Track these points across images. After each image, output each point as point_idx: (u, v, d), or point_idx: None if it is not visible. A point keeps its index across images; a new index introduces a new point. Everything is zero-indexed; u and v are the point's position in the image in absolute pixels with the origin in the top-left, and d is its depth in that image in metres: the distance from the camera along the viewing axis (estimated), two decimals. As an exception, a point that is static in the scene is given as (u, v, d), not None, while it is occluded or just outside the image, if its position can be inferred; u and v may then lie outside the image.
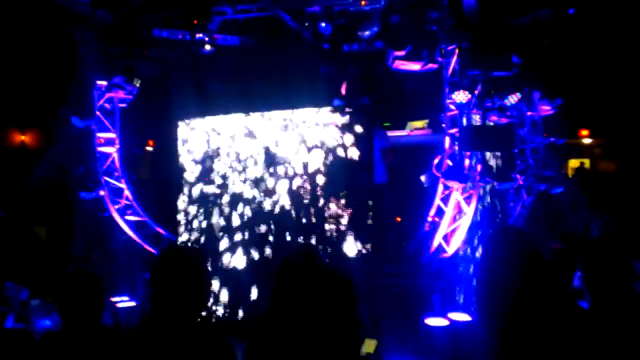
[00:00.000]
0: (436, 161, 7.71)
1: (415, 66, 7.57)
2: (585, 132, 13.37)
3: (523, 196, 8.92)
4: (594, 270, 3.00)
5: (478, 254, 7.41)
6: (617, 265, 2.99)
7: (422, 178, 7.86)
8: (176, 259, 2.74)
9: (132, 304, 8.33)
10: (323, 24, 7.98)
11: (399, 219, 8.96)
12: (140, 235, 9.22)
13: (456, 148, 7.56)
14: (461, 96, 7.29)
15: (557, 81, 9.28)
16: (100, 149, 8.92)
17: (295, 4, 8.08)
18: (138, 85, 8.70)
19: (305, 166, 7.98)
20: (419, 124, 8.83)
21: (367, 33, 8.40)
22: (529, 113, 8.84)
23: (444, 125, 7.73)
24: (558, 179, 9.00)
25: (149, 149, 10.24)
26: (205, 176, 8.62)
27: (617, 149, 13.18)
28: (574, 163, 13.22)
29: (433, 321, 7.10)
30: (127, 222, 9.15)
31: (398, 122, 9.31)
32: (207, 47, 8.34)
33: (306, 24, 7.98)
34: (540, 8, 7.44)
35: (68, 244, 9.58)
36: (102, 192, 8.87)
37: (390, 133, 8.68)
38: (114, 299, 8.19)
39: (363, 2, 7.67)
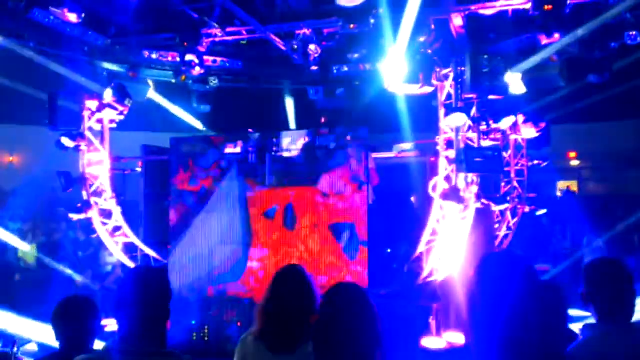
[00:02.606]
0: (432, 183, 7.76)
1: (412, 89, 7.66)
2: (572, 155, 13.48)
3: (508, 217, 8.98)
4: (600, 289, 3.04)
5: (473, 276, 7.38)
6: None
7: (412, 199, 7.90)
8: (134, 281, 2.71)
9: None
10: (312, 47, 8.04)
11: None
12: (130, 257, 9.17)
13: (448, 169, 7.63)
14: (457, 119, 7.37)
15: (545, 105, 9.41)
16: (89, 169, 8.89)
17: (285, 27, 8.14)
18: (130, 105, 8.71)
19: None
20: (407, 146, 8.90)
21: (356, 56, 8.49)
22: (513, 136, 8.92)
23: (438, 147, 7.80)
24: (542, 201, 9.07)
25: (138, 169, 10.21)
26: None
27: (605, 171, 13.29)
28: (562, 185, 13.33)
29: (429, 342, 7.09)
30: (116, 244, 9.11)
31: (386, 143, 9.37)
32: (197, 69, 8.37)
33: (295, 47, 8.03)
34: (523, 33, 7.56)
35: (55, 265, 9.53)
36: (90, 214, 8.83)
37: (378, 155, 8.74)
38: (103, 322, 8.10)
39: (352, 25, 7.73)
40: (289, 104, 10.61)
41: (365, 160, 7.62)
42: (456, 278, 7.52)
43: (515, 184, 9.08)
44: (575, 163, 13.81)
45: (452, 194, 7.40)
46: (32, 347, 6.48)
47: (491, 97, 7.49)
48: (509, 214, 8.94)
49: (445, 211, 7.63)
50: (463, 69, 7.44)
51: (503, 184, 8.97)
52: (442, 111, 7.78)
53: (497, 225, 8.90)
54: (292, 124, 10.78)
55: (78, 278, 9.61)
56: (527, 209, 9.06)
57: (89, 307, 3.43)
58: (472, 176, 7.54)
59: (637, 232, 10.81)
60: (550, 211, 9.52)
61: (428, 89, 7.71)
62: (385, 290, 7.88)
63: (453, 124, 7.50)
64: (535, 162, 9.28)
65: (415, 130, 8.65)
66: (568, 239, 11.78)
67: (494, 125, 8.07)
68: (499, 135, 8.44)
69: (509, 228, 9.06)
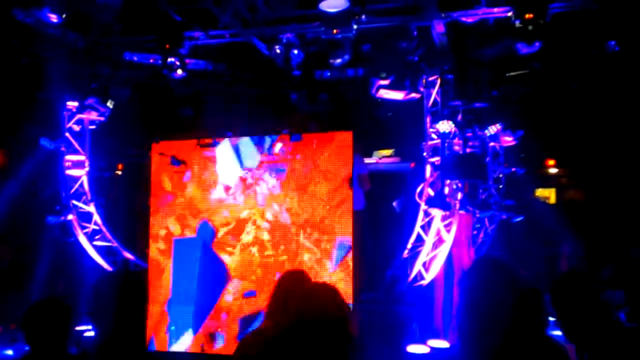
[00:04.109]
0: (418, 189, 7.81)
1: (399, 95, 7.71)
2: (551, 162, 13.60)
3: (486, 224, 9.05)
4: (567, 310, 3.05)
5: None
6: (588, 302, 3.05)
7: (394, 204, 7.95)
8: (112, 285, 2.69)
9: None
10: (295, 51, 8.05)
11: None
12: (109, 262, 9.07)
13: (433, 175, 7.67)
14: (445, 126, 7.43)
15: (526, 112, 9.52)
16: (68, 171, 8.79)
17: (268, 31, 8.13)
18: (111, 106, 8.65)
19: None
20: (387, 152, 8.95)
21: (338, 61, 8.51)
22: (491, 144, 8.99)
23: (425, 153, 7.85)
24: (518, 209, 9.15)
25: (119, 172, 10.14)
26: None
27: (584, 178, 13.39)
28: (540, 192, 13.45)
29: (414, 349, 7.11)
30: (95, 248, 9.00)
31: (367, 149, 9.40)
32: (179, 71, 8.33)
33: (278, 51, 8.03)
34: (505, 41, 7.63)
35: (32, 269, 9.40)
36: (70, 217, 8.73)
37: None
38: (80, 328, 8.00)
39: (335, 30, 7.75)
40: (267, 108, 10.60)
41: (354, 165, 7.64)
42: (441, 283, 7.58)
43: (493, 191, 9.15)
44: (554, 171, 13.92)
45: (438, 200, 7.45)
46: (8, 353, 6.40)
47: (477, 104, 7.55)
48: (487, 220, 9.00)
49: (431, 217, 7.68)
50: (450, 76, 7.49)
51: (481, 191, 9.04)
52: (428, 118, 7.83)
53: (474, 232, 8.97)
54: (272, 128, 10.77)
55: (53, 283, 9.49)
56: (504, 216, 9.13)
57: (61, 310, 3.37)
58: (457, 183, 7.60)
59: (615, 240, 10.92)
60: (527, 218, 9.61)
61: (415, 96, 7.75)
62: (368, 296, 7.91)
63: (440, 131, 7.54)
64: (513, 169, 9.35)
65: (398, 136, 8.70)
66: (543, 247, 11.90)
67: (479, 133, 8.14)
68: (476, 143, 8.51)
69: (486, 234, 9.13)
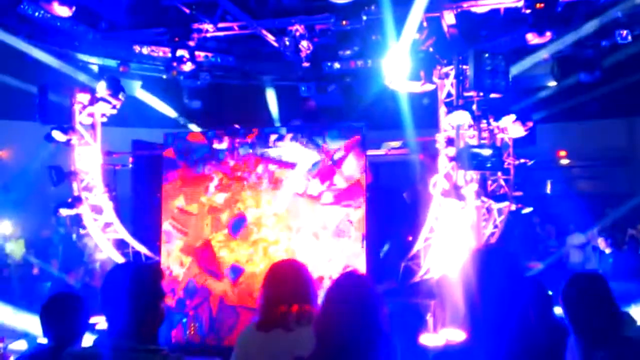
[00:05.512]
0: (432, 180, 7.75)
1: (414, 86, 7.63)
2: (563, 154, 13.54)
3: (494, 215, 9.00)
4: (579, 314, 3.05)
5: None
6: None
7: (405, 195, 7.92)
8: (124, 277, 2.68)
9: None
10: (304, 43, 8.03)
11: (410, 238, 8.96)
12: (121, 253, 9.08)
13: (447, 167, 7.64)
14: (460, 117, 7.33)
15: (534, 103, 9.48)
16: (80, 164, 8.78)
17: (277, 23, 8.12)
18: (123, 99, 8.63)
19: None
20: (395, 143, 8.92)
21: (348, 52, 8.49)
22: (500, 135, 8.92)
23: (438, 145, 7.77)
24: (529, 199, 9.09)
25: (130, 165, 10.14)
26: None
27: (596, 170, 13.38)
28: (550, 183, 13.42)
29: (428, 340, 7.09)
30: (107, 240, 9.02)
31: (376, 140, 9.39)
32: (188, 64, 8.33)
33: (287, 43, 8.01)
34: (515, 32, 7.59)
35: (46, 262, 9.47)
36: (81, 209, 8.73)
37: (369, 152, 8.75)
38: (93, 320, 8.01)
39: (344, 22, 7.71)
40: (276, 99, 10.60)
41: (360, 157, 7.63)
42: (453, 275, 7.54)
43: (502, 182, 9.08)
44: (565, 162, 13.88)
45: (453, 192, 7.38)
46: (21, 345, 6.42)
47: (493, 95, 7.45)
48: (495, 211, 8.95)
49: (444, 208, 7.62)
50: (464, 67, 7.38)
51: (490, 182, 8.98)
52: (442, 109, 7.75)
53: (483, 223, 8.92)
54: (281, 120, 10.78)
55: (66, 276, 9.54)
56: (513, 207, 9.08)
57: (77, 303, 3.40)
58: (471, 174, 7.51)
59: (624, 230, 10.92)
60: (540, 209, 9.55)
61: (429, 87, 7.67)
62: (383, 287, 7.90)
63: (455, 122, 7.46)
64: (522, 160, 9.29)
65: (407, 127, 8.66)
66: (554, 237, 11.91)
67: (494, 124, 8.06)
68: (486, 134, 8.45)
69: (495, 226, 9.08)
